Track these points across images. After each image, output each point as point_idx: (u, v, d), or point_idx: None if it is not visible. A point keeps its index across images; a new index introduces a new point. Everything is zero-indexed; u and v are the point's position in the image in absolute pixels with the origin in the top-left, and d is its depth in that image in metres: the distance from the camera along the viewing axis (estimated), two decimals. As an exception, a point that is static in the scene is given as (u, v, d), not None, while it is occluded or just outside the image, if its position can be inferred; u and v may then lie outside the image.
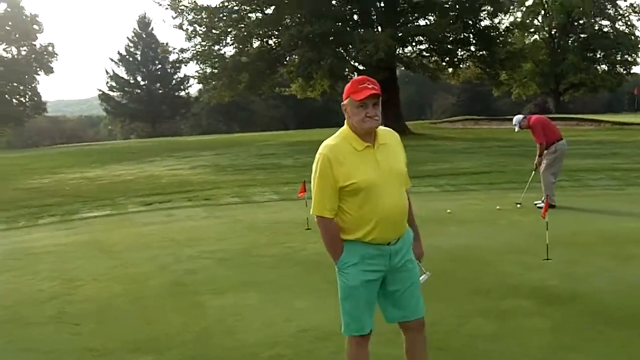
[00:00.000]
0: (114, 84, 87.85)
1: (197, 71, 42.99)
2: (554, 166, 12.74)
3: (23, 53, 79.97)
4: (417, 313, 4.43)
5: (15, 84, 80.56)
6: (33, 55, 79.87)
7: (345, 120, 4.20)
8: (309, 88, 43.23)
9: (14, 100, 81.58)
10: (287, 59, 39.83)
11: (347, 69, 36.91)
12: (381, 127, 4.23)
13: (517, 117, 13.18)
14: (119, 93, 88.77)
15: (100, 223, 13.95)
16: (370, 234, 4.14)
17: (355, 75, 38.88)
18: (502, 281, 7.66)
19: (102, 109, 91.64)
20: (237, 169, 23.48)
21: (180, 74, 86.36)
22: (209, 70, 41.11)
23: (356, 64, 38.28)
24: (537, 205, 12.61)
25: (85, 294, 8.13)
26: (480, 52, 42.38)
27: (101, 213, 15.26)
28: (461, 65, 45.45)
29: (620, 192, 14.97)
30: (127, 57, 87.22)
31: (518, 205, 12.66)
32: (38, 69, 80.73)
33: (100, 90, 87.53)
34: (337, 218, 4.20)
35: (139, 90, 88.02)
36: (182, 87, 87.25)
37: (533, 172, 13.33)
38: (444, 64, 43.40)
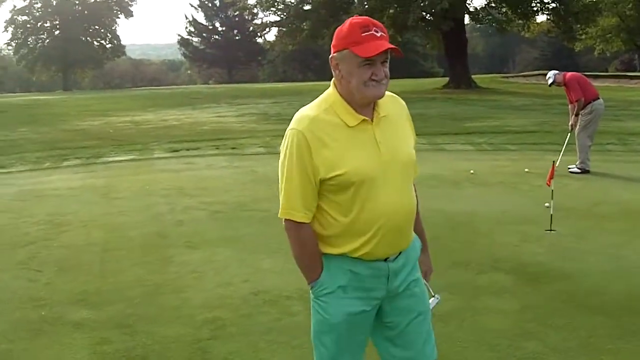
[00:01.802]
0: (192, 29, 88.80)
1: (260, 18, 42.84)
2: (589, 128, 12.00)
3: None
4: (426, 355, 3.13)
5: (96, 27, 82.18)
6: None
7: (333, 81, 2.88)
8: (377, 37, 42.43)
9: (95, 42, 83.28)
10: (351, 7, 38.99)
11: (411, 19, 35.80)
12: None
13: (552, 72, 12.43)
14: (197, 38, 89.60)
15: (119, 167, 13.97)
16: (363, 247, 2.88)
17: (422, 25, 37.96)
18: (490, 253, 7.14)
19: (178, 54, 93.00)
20: (282, 118, 23.12)
21: (257, 21, 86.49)
22: (272, 18, 40.89)
23: (421, 14, 37.08)
24: (570, 169, 11.94)
25: (65, 240, 8.12)
26: (554, 4, 40.70)
27: (126, 157, 15.30)
28: (533, 18, 43.77)
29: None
30: (207, 2, 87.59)
31: (526, 170, 11.88)
32: (118, 12, 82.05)
33: (179, 36, 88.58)
34: (315, 223, 2.93)
35: (216, 36, 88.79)
36: (259, 34, 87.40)
37: (569, 133, 12.57)
38: (514, 15, 41.74)
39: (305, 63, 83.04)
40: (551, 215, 7.97)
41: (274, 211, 8.59)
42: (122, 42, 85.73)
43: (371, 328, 3.09)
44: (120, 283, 6.44)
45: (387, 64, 2.80)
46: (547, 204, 8.13)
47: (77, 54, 77.55)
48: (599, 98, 12.10)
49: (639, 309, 5.53)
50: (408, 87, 35.17)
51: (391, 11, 35.64)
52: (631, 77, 45.53)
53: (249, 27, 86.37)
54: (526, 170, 11.91)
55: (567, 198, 9.68)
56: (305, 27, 39.46)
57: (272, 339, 5.08)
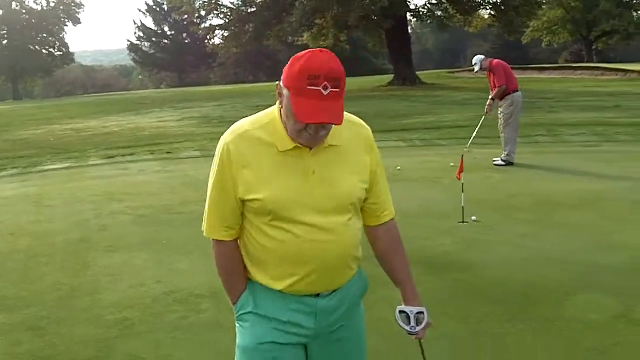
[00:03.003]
0: (141, 34, 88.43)
1: (201, 22, 42.98)
2: (512, 121, 12.34)
3: (52, 4, 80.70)
4: None
5: (44, 35, 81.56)
6: (61, 7, 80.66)
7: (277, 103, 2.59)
8: (321, 37, 42.58)
9: (43, 50, 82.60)
10: (293, 8, 39.24)
11: (352, 18, 36.10)
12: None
13: (479, 57, 12.70)
14: (147, 43, 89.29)
15: (53, 176, 13.99)
16: (284, 279, 2.61)
17: (364, 24, 38.21)
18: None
19: (129, 59, 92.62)
20: (223, 120, 23.31)
21: (206, 24, 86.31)
22: (216, 21, 41.12)
23: (361, 13, 37.38)
24: (495, 162, 12.31)
25: (-9, 248, 8.15)
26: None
27: (62, 165, 15.33)
28: (475, 13, 44.43)
29: (596, 148, 14.40)
30: (154, 7, 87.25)
31: (451, 165, 12.16)
32: (66, 20, 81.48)
33: (129, 41, 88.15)
34: (241, 242, 2.71)
35: (166, 40, 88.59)
36: (207, 37, 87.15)
37: (483, 117, 13.03)
38: (455, 11, 42.39)
39: (256, 64, 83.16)
40: (462, 207, 8.26)
41: (198, 212, 8.84)
42: (73, 49, 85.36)
43: None
44: (37, 288, 6.59)
45: (329, 126, 2.47)
46: (398, 167, 8.16)
47: (25, 63, 76.99)
48: (518, 90, 12.47)
49: (531, 295, 5.83)
50: (352, 86, 35.44)
51: (333, 10, 35.85)
52: (575, 69, 46.50)
53: (197, 31, 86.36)
54: (451, 164, 12.13)
55: (486, 190, 10.06)
56: (249, 29, 39.65)
57: (176, 335, 5.27)
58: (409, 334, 2.78)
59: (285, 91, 2.40)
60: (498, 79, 12.22)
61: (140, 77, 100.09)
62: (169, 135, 20.14)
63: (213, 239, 2.70)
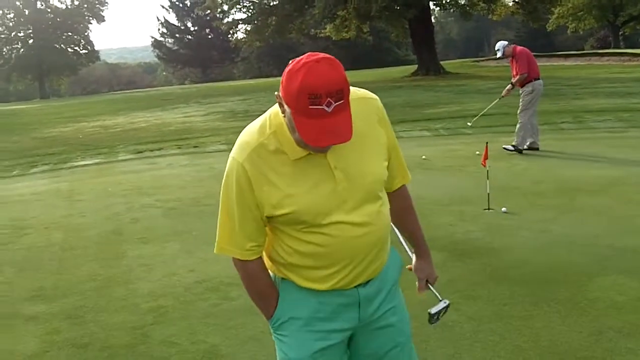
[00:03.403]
0: (165, 30, 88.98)
1: (224, 17, 43.22)
2: (530, 108, 12.37)
3: (76, 3, 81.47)
4: None
5: (69, 34, 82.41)
6: (85, 5, 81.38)
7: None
8: (344, 28, 42.61)
9: (69, 49, 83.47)
10: (315, 0, 39.33)
11: (374, 9, 36.11)
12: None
13: (502, 43, 12.74)
14: (170, 39, 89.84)
15: (84, 172, 14.27)
16: (327, 280, 2.50)
17: (386, 14, 38.12)
18: (426, 233, 7.50)
19: (154, 56, 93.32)
20: (249, 115, 23.41)
21: (229, 19, 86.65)
22: (239, 15, 41.34)
23: (384, 4, 37.28)
24: (505, 147, 12.37)
25: (26, 242, 8.48)
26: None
27: (91, 161, 15.60)
28: (498, 1, 44.18)
29: (622, 134, 14.36)
30: (177, 3, 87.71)
31: (477, 153, 12.15)
32: (90, 18, 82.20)
33: (153, 38, 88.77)
34: (269, 247, 2.58)
35: (189, 36, 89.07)
36: (230, 32, 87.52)
37: (498, 99, 13.16)
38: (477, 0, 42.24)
39: (279, 58, 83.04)
40: (488, 194, 8.36)
41: None
42: (97, 47, 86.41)
43: None
44: (74, 278, 6.81)
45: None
46: (423, 156, 8.18)
47: (51, 62, 77.89)
48: (539, 78, 12.52)
49: (555, 278, 5.92)
50: (377, 77, 35.59)
51: (355, 2, 35.89)
52: (602, 55, 46.13)
53: (220, 26, 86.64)
54: (477, 152, 12.19)
55: (511, 177, 10.15)
56: (271, 22, 39.84)
57: (209, 321, 5.44)
58: (430, 323, 2.91)
59: (286, 107, 2.22)
60: (521, 66, 12.27)
61: (164, 73, 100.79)
62: (195, 130, 20.36)
63: (237, 259, 2.54)
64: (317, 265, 2.48)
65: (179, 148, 16.50)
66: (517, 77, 12.32)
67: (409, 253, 2.99)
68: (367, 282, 2.57)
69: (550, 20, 65.75)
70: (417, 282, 2.93)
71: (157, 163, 14.52)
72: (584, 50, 61.66)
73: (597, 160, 11.37)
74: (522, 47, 12.70)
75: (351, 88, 2.31)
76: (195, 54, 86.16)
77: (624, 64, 38.61)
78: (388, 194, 2.69)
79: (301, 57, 2.22)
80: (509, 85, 12.75)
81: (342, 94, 2.16)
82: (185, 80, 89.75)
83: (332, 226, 2.41)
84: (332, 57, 2.22)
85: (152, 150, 16.40)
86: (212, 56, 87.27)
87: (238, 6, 41.10)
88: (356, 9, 36.53)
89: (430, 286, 2.94)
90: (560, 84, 26.18)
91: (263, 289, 2.60)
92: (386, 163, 2.56)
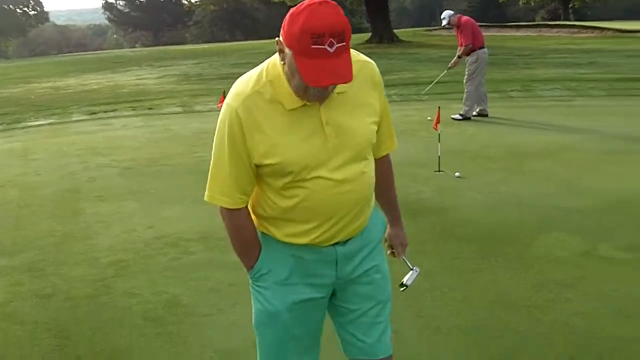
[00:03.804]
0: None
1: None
2: (476, 77, 12.61)
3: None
4: (379, 351, 2.79)
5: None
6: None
7: (277, 56, 2.40)
8: (300, -6, 42.52)
9: (17, 10, 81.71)
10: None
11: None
12: None
13: (448, 12, 12.90)
14: (122, 2, 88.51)
15: (38, 132, 14.14)
16: (306, 235, 2.55)
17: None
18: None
19: (104, 18, 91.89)
20: (202, 78, 23.39)
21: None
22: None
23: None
24: (453, 116, 12.60)
25: (-19, 200, 8.41)
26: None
27: (45, 122, 15.44)
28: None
29: (568, 103, 14.74)
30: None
31: (428, 119, 12.34)
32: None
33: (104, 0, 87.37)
34: (255, 203, 2.63)
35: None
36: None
37: (446, 70, 13.49)
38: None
39: (233, 23, 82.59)
40: (439, 157, 8.62)
41: (183, 165, 9.29)
42: (46, 9, 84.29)
43: (323, 319, 2.77)
44: (33, 234, 6.89)
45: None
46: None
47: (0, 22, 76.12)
48: (484, 47, 12.77)
49: (502, 236, 6.23)
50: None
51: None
52: (552, 27, 46.73)
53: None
54: (428, 118, 12.37)
55: (461, 142, 10.45)
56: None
57: (169, 274, 5.62)
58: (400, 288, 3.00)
59: (287, 50, 2.23)
60: (465, 37, 12.51)
61: (115, 36, 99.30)
62: (149, 92, 20.24)
63: (225, 209, 2.56)
64: (297, 219, 2.51)
65: (134, 110, 16.43)
66: (462, 48, 12.56)
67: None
68: (347, 240, 2.60)
69: (502, -9, 66.39)
70: (391, 249, 3.02)
71: (111, 124, 14.45)
72: (535, 21, 62.38)
73: (544, 127, 11.71)
74: (466, 18, 12.91)
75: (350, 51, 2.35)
76: (147, 17, 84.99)
77: (572, 35, 39.23)
78: (376, 161, 2.71)
79: (303, 1, 2.22)
80: (456, 57, 13.00)
81: (343, 36, 2.18)
82: (136, 44, 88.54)
83: (315, 181, 2.43)
84: (334, 1, 2.23)
85: (105, 112, 16.28)
86: (164, 19, 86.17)
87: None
88: (311, -25, 36.39)
89: (403, 256, 3.03)
90: (511, 54, 26.62)
91: (248, 239, 2.62)
92: (376, 127, 2.57)
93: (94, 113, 16.24)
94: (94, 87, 23.21)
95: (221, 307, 4.91)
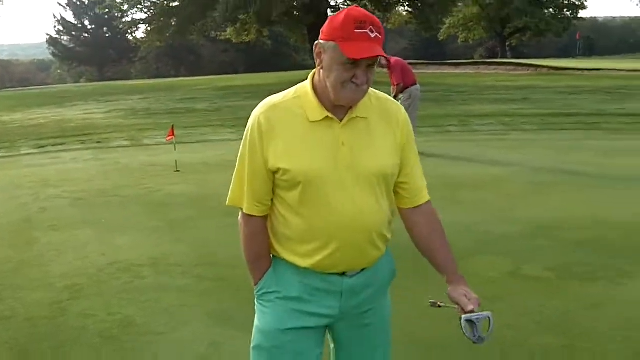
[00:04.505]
0: (61, 28, 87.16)
1: (123, 16, 43.12)
2: (410, 111, 13.17)
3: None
4: None
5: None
6: (-23, 0, 78.82)
7: (311, 74, 2.56)
8: (244, 32, 43.21)
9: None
10: (217, 4, 39.75)
11: (274, 13, 36.81)
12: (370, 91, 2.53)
13: None
14: (67, 37, 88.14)
15: (-14, 165, 14.28)
16: (313, 255, 2.54)
17: (286, 20, 38.94)
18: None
19: (48, 54, 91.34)
20: (149, 112, 23.74)
21: (128, 18, 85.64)
22: (140, 15, 41.26)
23: (284, 9, 38.11)
24: None
25: None
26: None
27: (-6, 156, 15.60)
28: (393, 10, 45.70)
29: (502, 137, 15.52)
30: (75, 1, 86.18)
31: None
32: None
33: (48, 35, 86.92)
34: (269, 219, 2.65)
35: (86, 34, 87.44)
36: (129, 31, 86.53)
37: None
38: (373, 8, 43.54)
39: (178, 59, 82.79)
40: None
41: (133, 196, 9.60)
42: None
43: (320, 355, 2.69)
44: (-11, 262, 7.12)
45: (374, 69, 2.45)
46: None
47: (-60, 56, 75.28)
48: (416, 84, 13.39)
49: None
50: (277, 80, 36.06)
51: (256, 7, 36.50)
52: (490, 64, 48.21)
53: (119, 25, 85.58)
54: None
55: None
56: (173, 23, 39.96)
57: (123, 297, 5.90)
58: (474, 343, 2.64)
59: (329, 44, 2.38)
60: (395, 77, 13.08)
61: (59, 71, 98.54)
62: (97, 126, 20.46)
63: (244, 215, 2.63)
64: (302, 238, 2.52)
65: (82, 143, 16.66)
66: (395, 87, 13.14)
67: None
68: (355, 274, 2.59)
69: (442, 30, 68.00)
70: (461, 308, 2.73)
71: (60, 157, 14.68)
72: (473, 59, 64.08)
73: (479, 159, 12.36)
74: (395, 59, 13.50)
75: (373, 90, 2.58)
76: (92, 52, 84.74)
77: (509, 72, 40.63)
78: (413, 212, 2.71)
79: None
80: (392, 97, 13.56)
81: (380, 30, 2.38)
82: (80, 79, 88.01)
83: (322, 199, 2.45)
84: None
85: (54, 145, 16.49)
86: (109, 55, 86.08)
87: (139, 6, 40.98)
88: (257, 14, 37.06)
89: (489, 316, 2.67)
90: (449, 91, 27.54)
91: (260, 250, 2.64)
92: (396, 161, 2.58)
93: (43, 147, 16.44)
94: (41, 121, 23.30)
95: (174, 326, 5.20)
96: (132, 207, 9.34)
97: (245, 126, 2.57)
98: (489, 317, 2.64)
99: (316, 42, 2.45)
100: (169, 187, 10.47)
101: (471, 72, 43.44)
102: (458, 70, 45.42)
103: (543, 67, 42.25)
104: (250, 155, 2.53)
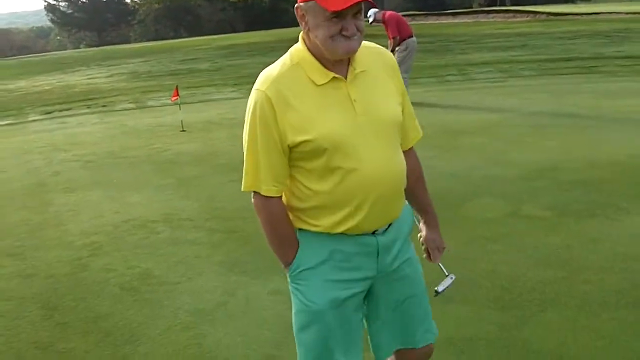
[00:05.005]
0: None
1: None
2: (405, 63, 13.32)
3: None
4: (423, 339, 2.80)
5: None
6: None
7: (300, 35, 2.47)
8: (242, -11, 43.17)
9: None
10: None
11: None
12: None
13: (373, 10, 13.46)
14: (64, 3, 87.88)
15: (-4, 132, 14.56)
16: (346, 221, 2.47)
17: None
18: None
19: (47, 20, 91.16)
20: (152, 75, 23.98)
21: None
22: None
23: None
24: None
25: (-48, 196, 8.88)
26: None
27: (2, 123, 15.86)
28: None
29: (501, 84, 15.73)
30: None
31: None
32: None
33: (46, 2, 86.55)
34: (288, 195, 2.55)
35: (84, 0, 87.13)
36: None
37: None
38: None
39: (176, 20, 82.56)
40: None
41: (141, 156, 9.87)
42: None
43: (362, 319, 2.70)
44: (6, 224, 7.43)
45: (362, 16, 2.35)
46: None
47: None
48: (412, 36, 13.56)
49: (436, 201, 6.47)
50: (275, 37, 36.19)
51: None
52: (488, 12, 48.11)
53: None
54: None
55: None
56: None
57: (140, 252, 6.20)
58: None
59: (309, 4, 2.30)
60: (391, 30, 13.24)
61: (58, 38, 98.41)
62: (101, 90, 20.69)
63: (260, 197, 2.49)
64: (335, 204, 2.44)
65: (88, 107, 16.92)
66: (391, 41, 13.29)
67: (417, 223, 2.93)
68: (385, 230, 2.56)
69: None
70: (427, 253, 2.93)
71: (67, 122, 14.94)
72: (472, 7, 63.75)
73: (477, 107, 12.60)
74: (390, 12, 13.68)
75: (364, 42, 2.46)
76: (90, 17, 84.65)
77: (508, 20, 40.59)
78: (404, 153, 2.66)
79: None
80: (390, 52, 13.70)
81: None
82: (80, 44, 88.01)
83: (350, 160, 2.38)
84: None
85: (60, 111, 16.74)
86: (108, 19, 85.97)
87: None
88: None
89: (439, 261, 2.94)
90: (448, 41, 27.64)
91: (284, 232, 2.54)
92: (401, 109, 2.57)
93: (49, 112, 16.69)
94: (46, 87, 23.54)
95: (190, 276, 5.50)
96: (141, 166, 9.63)
97: (248, 84, 2.66)
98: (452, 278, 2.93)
99: (295, 5, 2.38)
100: (176, 147, 10.78)
101: (469, 21, 43.40)
102: (457, 20, 45.38)
103: (541, 13, 42.27)
104: (264, 134, 2.39)
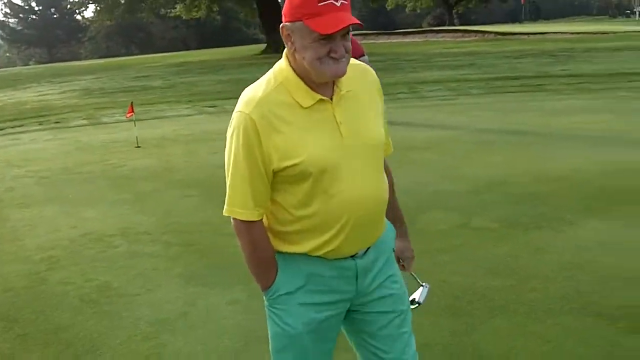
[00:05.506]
0: (8, 10, 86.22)
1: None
2: None
3: None
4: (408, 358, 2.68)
5: None
6: None
7: (285, 53, 2.40)
8: (194, 8, 43.13)
9: None
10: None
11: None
12: None
13: None
14: (14, 20, 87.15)
15: (-52, 149, 14.39)
16: (326, 245, 2.44)
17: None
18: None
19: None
20: (105, 92, 23.87)
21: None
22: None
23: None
24: None
25: None
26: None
27: (-45, 139, 15.70)
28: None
29: (450, 101, 16.15)
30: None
31: None
32: None
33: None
34: (269, 217, 2.50)
35: (34, 16, 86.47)
36: (77, 11, 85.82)
37: None
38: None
39: (128, 37, 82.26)
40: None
41: (96, 172, 9.89)
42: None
43: (337, 334, 2.66)
44: (-37, 240, 7.39)
45: (349, 37, 2.29)
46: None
47: None
48: (364, 54, 13.83)
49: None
50: (228, 55, 36.31)
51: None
52: (437, 32, 48.94)
53: (67, 5, 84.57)
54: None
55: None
56: (122, 1, 39.77)
57: (98, 265, 6.25)
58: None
59: (296, 25, 2.23)
60: None
61: (7, 54, 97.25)
62: (53, 107, 20.56)
63: (241, 223, 2.43)
64: (316, 228, 2.40)
65: (40, 124, 16.83)
66: None
67: None
68: (364, 252, 2.52)
69: (389, 0, 68.49)
70: (400, 263, 2.86)
71: (20, 139, 14.87)
72: (422, 27, 64.70)
73: (427, 124, 12.92)
74: None
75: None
76: (40, 34, 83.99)
77: (456, 40, 41.42)
78: None
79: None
80: None
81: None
82: (29, 61, 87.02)
83: (334, 185, 2.34)
84: None
85: (12, 127, 16.63)
86: (58, 36, 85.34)
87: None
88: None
89: (412, 273, 2.96)
90: (398, 59, 28.13)
91: (265, 257, 2.49)
92: (384, 129, 2.56)
93: (1, 129, 16.56)
94: (-4, 104, 23.35)
95: (149, 288, 5.57)
96: (96, 182, 9.68)
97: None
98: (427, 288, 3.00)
99: (281, 25, 2.29)
100: (131, 162, 10.87)
101: (419, 40, 44.10)
102: (407, 39, 46.03)
103: (489, 32, 43.16)
104: (248, 159, 2.32)
